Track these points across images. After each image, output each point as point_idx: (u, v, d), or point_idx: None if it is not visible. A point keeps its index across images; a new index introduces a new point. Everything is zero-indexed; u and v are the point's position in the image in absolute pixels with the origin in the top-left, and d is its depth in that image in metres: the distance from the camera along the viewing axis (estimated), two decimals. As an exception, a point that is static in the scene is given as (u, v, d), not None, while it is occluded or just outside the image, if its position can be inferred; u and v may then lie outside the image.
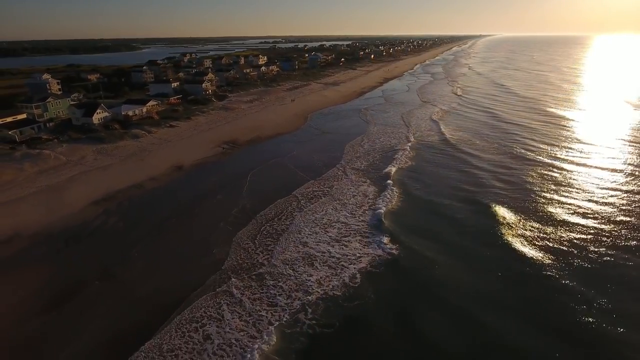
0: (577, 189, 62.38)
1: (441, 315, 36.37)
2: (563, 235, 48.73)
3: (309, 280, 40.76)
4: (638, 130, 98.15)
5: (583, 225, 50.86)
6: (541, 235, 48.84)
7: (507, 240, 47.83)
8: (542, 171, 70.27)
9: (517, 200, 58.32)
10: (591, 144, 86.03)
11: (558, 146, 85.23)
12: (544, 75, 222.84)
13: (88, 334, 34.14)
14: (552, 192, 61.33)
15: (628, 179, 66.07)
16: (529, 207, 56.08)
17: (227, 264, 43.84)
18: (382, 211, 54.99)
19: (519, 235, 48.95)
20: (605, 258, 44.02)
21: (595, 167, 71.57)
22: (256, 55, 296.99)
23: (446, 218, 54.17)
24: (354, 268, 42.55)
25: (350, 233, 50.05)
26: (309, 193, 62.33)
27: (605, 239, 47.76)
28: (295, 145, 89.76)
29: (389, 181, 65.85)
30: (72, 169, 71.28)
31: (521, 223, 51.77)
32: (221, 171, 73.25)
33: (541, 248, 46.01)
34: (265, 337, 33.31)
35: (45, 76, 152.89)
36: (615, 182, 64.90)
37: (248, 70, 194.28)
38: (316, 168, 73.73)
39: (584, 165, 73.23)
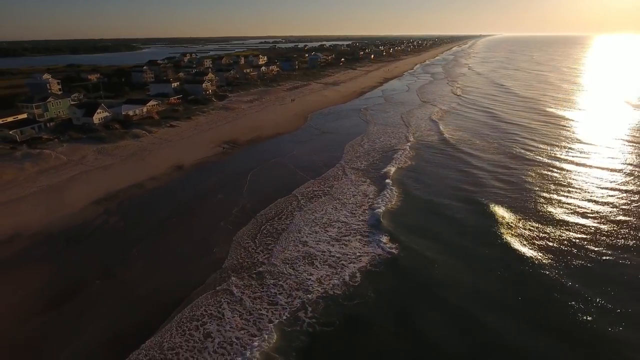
0: (577, 188, 62.47)
1: (441, 314, 36.44)
2: (562, 234, 48.81)
3: (309, 279, 40.87)
4: (638, 130, 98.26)
5: (582, 225, 50.96)
6: (541, 234, 48.93)
7: (506, 239, 47.92)
8: (542, 171, 70.36)
9: (517, 200, 58.41)
10: (591, 144, 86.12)
11: (558, 146, 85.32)
12: (543, 75, 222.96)
13: (88, 334, 34.20)
14: (552, 191, 61.42)
15: (627, 178, 66.16)
16: (529, 207, 56.16)
17: (227, 263, 43.93)
18: (382, 211, 55.11)
19: (519, 234, 49.04)
20: (605, 257, 44.11)
21: (595, 167, 71.66)
22: (256, 55, 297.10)
23: (446, 217, 54.26)
24: (354, 267, 42.66)
25: (350, 232, 50.14)
26: (309, 192, 62.44)
27: (605, 238, 47.85)
28: (295, 145, 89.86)
29: (388, 181, 65.98)
30: (72, 168, 71.38)
31: (520, 223, 51.86)
32: (221, 171, 73.35)
33: (541, 248, 46.10)
34: (265, 335, 33.42)
35: (46, 76, 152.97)
36: (614, 182, 64.99)
37: (248, 70, 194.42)
38: (316, 168, 73.83)
39: (584, 165, 73.32)
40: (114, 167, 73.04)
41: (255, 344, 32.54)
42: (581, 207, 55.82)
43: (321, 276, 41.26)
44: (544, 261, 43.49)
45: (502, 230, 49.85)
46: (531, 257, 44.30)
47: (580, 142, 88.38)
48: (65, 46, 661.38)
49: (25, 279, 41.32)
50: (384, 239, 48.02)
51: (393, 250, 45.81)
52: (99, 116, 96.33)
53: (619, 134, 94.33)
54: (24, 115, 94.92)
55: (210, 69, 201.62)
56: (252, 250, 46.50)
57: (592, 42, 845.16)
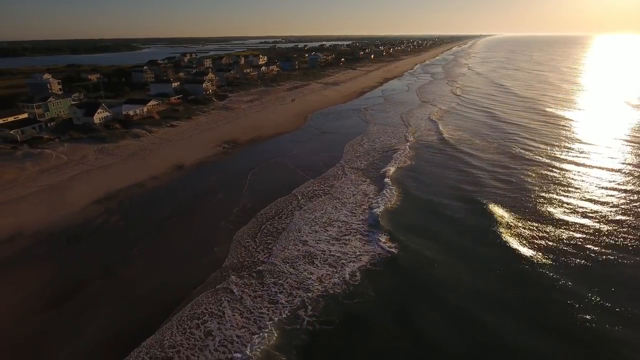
0: (576, 188, 62.59)
1: (440, 313, 36.55)
2: (562, 234, 48.92)
3: (310, 277, 41.00)
4: (637, 130, 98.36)
5: (582, 225, 51.06)
6: (540, 234, 49.03)
7: (505, 239, 48.02)
8: (541, 171, 70.47)
9: (516, 200, 58.52)
10: (590, 144, 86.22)
11: (557, 146, 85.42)
12: (543, 75, 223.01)
13: (89, 333, 34.29)
14: (551, 191, 61.53)
15: (627, 178, 66.28)
16: (528, 207, 56.27)
17: (227, 262, 44.06)
18: (382, 210, 55.23)
19: (518, 234, 49.15)
20: (604, 257, 44.20)
21: (595, 167, 71.74)
22: (256, 55, 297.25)
23: (445, 217, 54.37)
24: (354, 266, 42.79)
25: (350, 231, 50.27)
26: (309, 192, 62.56)
27: (605, 238, 47.95)
28: (295, 145, 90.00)
29: (388, 180, 66.09)
30: (73, 168, 71.52)
31: (520, 222, 51.97)
32: (221, 170, 73.47)
33: (540, 247, 46.21)
34: (265, 333, 33.54)
35: (46, 76, 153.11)
36: (614, 182, 65.09)
37: (248, 70, 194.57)
38: (316, 167, 73.95)
39: (583, 165, 73.41)
40: (114, 167, 73.18)
41: (256, 341, 32.67)
42: (581, 207, 55.93)
43: (321, 275, 41.40)
44: (543, 261, 43.60)
45: (502, 230, 49.96)
46: (531, 256, 44.41)
47: (580, 142, 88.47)
48: (65, 46, 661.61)
49: (26, 278, 41.42)
50: (384, 238, 48.16)
51: (393, 250, 45.94)
52: (99, 116, 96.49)
53: (618, 134, 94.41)
54: (25, 115, 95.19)
55: (210, 69, 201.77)
56: (253, 249, 46.63)
57: (592, 42, 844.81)
